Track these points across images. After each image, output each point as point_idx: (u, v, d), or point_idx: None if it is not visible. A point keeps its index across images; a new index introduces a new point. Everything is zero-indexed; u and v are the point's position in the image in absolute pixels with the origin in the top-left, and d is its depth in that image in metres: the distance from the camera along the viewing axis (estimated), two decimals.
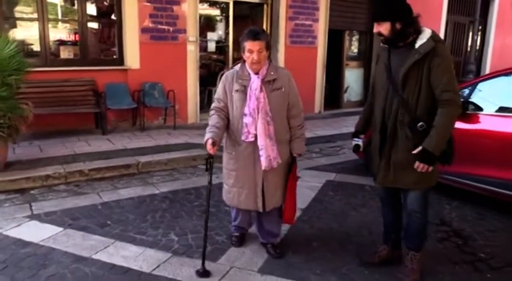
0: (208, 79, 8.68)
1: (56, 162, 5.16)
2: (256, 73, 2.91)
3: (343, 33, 10.05)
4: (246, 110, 2.90)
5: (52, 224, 3.72)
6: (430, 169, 2.63)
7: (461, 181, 4.33)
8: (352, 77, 10.54)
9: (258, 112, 2.86)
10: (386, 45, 2.79)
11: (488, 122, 4.13)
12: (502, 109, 4.14)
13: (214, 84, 8.76)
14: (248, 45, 2.84)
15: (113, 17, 7.18)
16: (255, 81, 2.90)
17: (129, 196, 4.45)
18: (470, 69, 9.36)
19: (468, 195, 4.44)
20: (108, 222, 3.79)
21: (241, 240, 3.41)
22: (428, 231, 3.14)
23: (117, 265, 3.05)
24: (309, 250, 3.36)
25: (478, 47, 13.53)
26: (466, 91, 4.39)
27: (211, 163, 2.93)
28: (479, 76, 5.66)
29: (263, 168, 2.92)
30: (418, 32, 2.67)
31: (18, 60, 4.66)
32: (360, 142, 3.06)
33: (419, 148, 2.59)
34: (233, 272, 3.02)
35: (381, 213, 3.21)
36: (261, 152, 2.90)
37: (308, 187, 4.77)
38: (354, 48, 10.73)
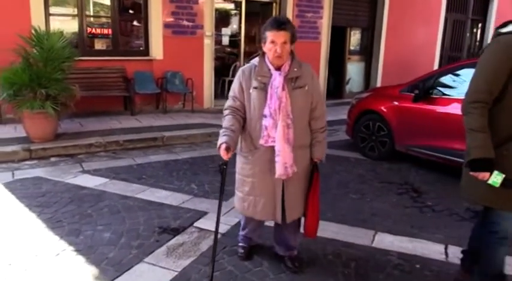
0: (222, 70, 9.76)
1: (96, 134, 6.27)
2: (278, 69, 2.60)
3: (346, 29, 10.99)
4: (267, 111, 2.59)
5: (100, 176, 4.82)
6: None
7: (426, 152, 5.30)
8: (354, 70, 11.49)
9: (279, 113, 2.57)
10: None
11: (445, 104, 5.09)
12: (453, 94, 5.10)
13: (228, 75, 9.88)
14: (271, 35, 2.52)
15: (140, 13, 8.25)
16: (277, 79, 2.58)
17: (157, 160, 5.54)
18: None
19: (434, 165, 5.42)
20: (143, 176, 4.88)
21: (249, 253, 3.10)
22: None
23: (154, 201, 4.14)
24: None
25: (477, 43, 14.40)
26: (431, 79, 5.37)
27: (225, 170, 2.60)
28: (440, 67, 6.58)
29: (276, 176, 2.64)
30: None
31: (69, 50, 5.78)
32: (501, 174, 2.29)
33: None
34: None
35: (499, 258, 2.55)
36: (277, 158, 2.61)
37: None
38: (356, 44, 11.64)
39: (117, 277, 2.85)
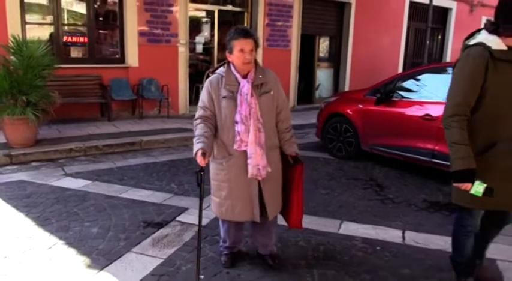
0: (195, 77, 10.06)
1: (75, 140, 6.46)
2: (245, 77, 2.74)
3: (315, 37, 11.49)
4: (238, 117, 2.71)
5: (82, 179, 5.04)
6: None
7: (388, 150, 5.75)
8: (323, 76, 12.00)
9: (250, 118, 2.71)
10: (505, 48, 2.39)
11: (404, 106, 5.56)
12: (411, 97, 5.60)
13: (201, 82, 10.16)
14: (239, 44, 2.66)
15: (115, 22, 8.47)
16: (245, 86, 2.71)
17: (137, 163, 5.79)
18: None
19: (396, 162, 5.88)
20: (124, 178, 5.13)
21: (233, 259, 3.16)
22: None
23: (137, 199, 4.41)
24: None
25: (438, 50, 15.22)
26: (392, 84, 5.84)
27: (202, 176, 2.67)
28: (398, 73, 7.10)
29: (249, 176, 2.76)
30: None
31: (49, 58, 5.97)
32: (483, 184, 2.40)
33: None
34: None
35: (466, 249, 2.78)
36: (249, 161, 2.73)
37: None
38: (325, 51, 12.16)
39: (108, 264, 3.11)
